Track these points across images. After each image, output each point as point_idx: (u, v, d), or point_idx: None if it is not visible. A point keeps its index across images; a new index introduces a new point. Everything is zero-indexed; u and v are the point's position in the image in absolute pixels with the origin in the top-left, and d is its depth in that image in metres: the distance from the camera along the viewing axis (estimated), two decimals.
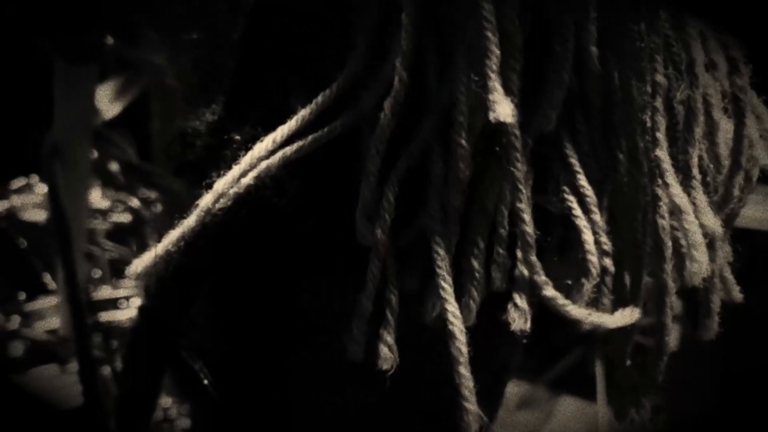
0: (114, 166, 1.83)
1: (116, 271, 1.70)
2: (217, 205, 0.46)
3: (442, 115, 0.44)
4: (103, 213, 1.77)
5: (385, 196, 0.45)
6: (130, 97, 1.83)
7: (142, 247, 1.70)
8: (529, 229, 0.42)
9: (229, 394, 0.59)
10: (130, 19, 0.86)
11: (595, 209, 0.45)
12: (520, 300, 0.43)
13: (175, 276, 0.49)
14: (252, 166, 0.46)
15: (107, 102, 1.81)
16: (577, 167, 0.45)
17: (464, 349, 0.43)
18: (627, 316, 0.46)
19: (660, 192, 0.45)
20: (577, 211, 0.45)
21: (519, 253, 0.43)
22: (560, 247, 0.47)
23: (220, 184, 0.46)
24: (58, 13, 0.80)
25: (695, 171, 0.46)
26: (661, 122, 0.44)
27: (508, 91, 0.40)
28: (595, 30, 0.43)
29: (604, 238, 0.45)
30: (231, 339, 0.58)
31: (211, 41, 0.54)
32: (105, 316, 1.55)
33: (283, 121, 0.47)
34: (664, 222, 0.44)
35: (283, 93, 0.48)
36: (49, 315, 1.67)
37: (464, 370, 0.43)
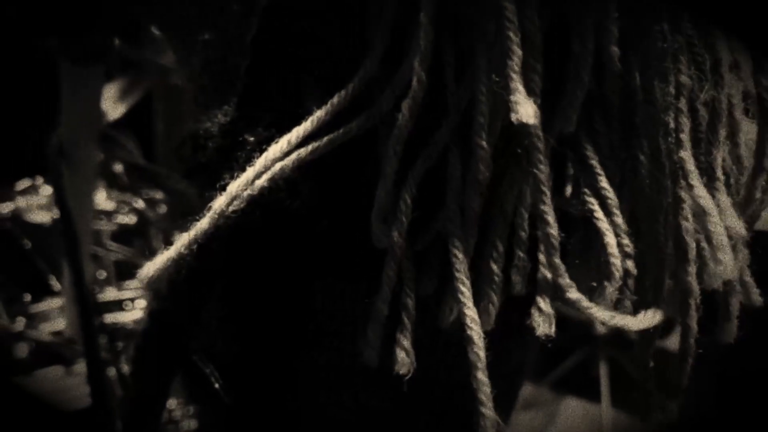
0: (118, 168, 1.83)
1: (121, 272, 1.70)
2: (231, 208, 0.45)
3: (461, 116, 0.43)
4: (108, 214, 1.77)
5: (402, 199, 0.45)
6: (134, 98, 1.83)
7: (147, 249, 1.70)
8: (553, 231, 0.41)
9: (240, 397, 0.58)
10: (139, 19, 0.86)
11: (616, 211, 0.44)
12: (544, 304, 0.42)
13: (187, 279, 0.48)
14: (266, 168, 0.45)
15: (111, 103, 1.81)
16: (598, 169, 0.44)
17: (482, 355, 0.42)
18: (650, 319, 0.45)
19: (683, 194, 0.44)
20: (599, 213, 0.44)
21: (542, 256, 0.42)
22: (581, 251, 0.46)
23: (234, 186, 0.45)
24: (65, 14, 0.80)
25: (719, 173, 0.45)
26: (686, 123, 0.43)
27: (530, 91, 0.39)
28: (616, 30, 0.42)
29: (626, 241, 0.44)
30: (242, 342, 0.58)
31: (223, 42, 0.53)
32: (110, 318, 1.55)
33: (297, 123, 0.46)
34: (688, 224, 0.43)
35: (298, 94, 0.48)
36: (54, 316, 1.67)
37: (482, 376, 0.42)
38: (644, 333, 0.47)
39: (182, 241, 0.46)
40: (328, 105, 0.45)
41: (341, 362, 0.55)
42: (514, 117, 0.38)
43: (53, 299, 1.69)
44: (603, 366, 2.11)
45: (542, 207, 0.41)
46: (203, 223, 0.45)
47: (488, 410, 0.42)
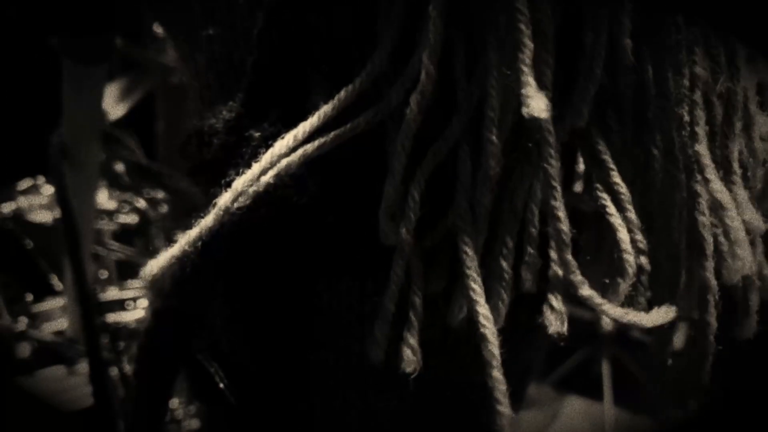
0: (120, 167, 1.82)
1: (123, 272, 1.70)
2: (236, 204, 0.45)
3: (471, 111, 0.42)
4: (110, 214, 1.77)
5: (411, 195, 0.44)
6: (136, 97, 1.83)
7: (149, 248, 1.70)
8: (565, 227, 0.40)
9: (246, 397, 0.58)
10: (144, 15, 0.85)
11: (629, 207, 0.43)
12: (557, 301, 0.42)
13: (191, 277, 0.48)
14: (272, 164, 0.45)
15: (113, 102, 1.80)
16: (611, 164, 0.44)
17: (497, 353, 0.41)
18: (664, 315, 0.44)
19: (699, 188, 0.43)
20: (611, 209, 0.43)
21: (554, 253, 0.41)
22: (593, 247, 0.45)
23: (240, 182, 0.45)
24: (69, 13, 0.79)
25: (736, 166, 0.44)
26: (701, 116, 0.42)
27: (541, 85, 0.38)
28: (630, 22, 0.42)
29: (639, 236, 0.43)
30: (248, 341, 0.57)
31: (229, 37, 0.52)
32: (112, 318, 1.55)
33: (303, 118, 0.45)
34: (704, 218, 0.43)
35: (304, 89, 0.47)
36: (56, 316, 1.67)
37: (497, 374, 0.41)
38: (660, 330, 0.46)
39: (186, 238, 0.45)
40: (335, 100, 0.44)
41: (349, 361, 0.54)
42: (525, 111, 0.37)
43: (55, 299, 1.69)
44: (605, 364, 2.10)
45: (553, 203, 0.40)
46: (208, 220, 0.45)
47: (505, 408, 0.41)
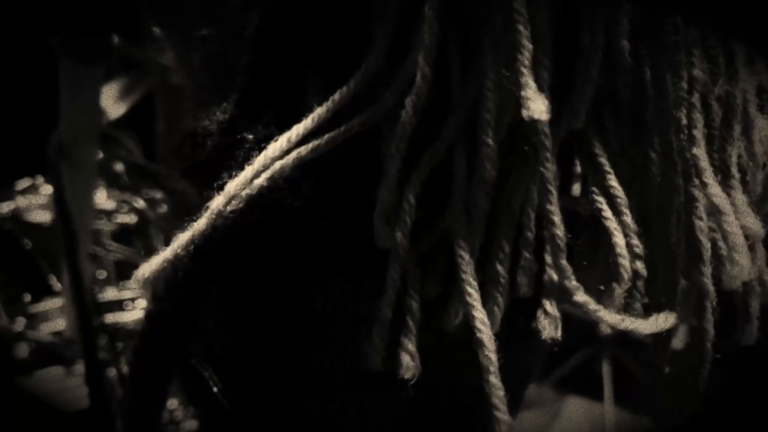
0: (119, 167, 1.82)
1: (121, 272, 1.69)
2: (229, 208, 0.44)
3: (467, 113, 0.42)
4: (108, 214, 1.76)
5: (406, 198, 0.43)
6: (136, 97, 1.82)
7: (148, 248, 1.69)
8: (560, 231, 0.40)
9: (240, 401, 0.57)
10: (135, 17, 0.85)
11: (626, 211, 0.43)
12: (551, 306, 0.41)
13: (184, 280, 0.47)
14: (265, 167, 0.44)
15: (112, 102, 1.80)
16: (607, 167, 0.43)
17: (494, 358, 0.41)
18: (662, 322, 0.44)
19: (696, 192, 0.42)
20: (607, 212, 0.42)
21: (549, 258, 0.41)
22: (589, 251, 0.45)
23: (232, 185, 0.44)
24: (67, 13, 0.79)
25: (734, 170, 0.44)
26: (699, 119, 0.42)
27: (539, 87, 0.38)
28: (627, 23, 0.41)
29: (635, 241, 0.43)
30: (242, 344, 0.57)
31: (223, 37, 0.52)
32: (110, 318, 1.54)
33: (297, 120, 0.45)
34: (702, 223, 0.42)
35: (298, 91, 0.46)
36: (54, 317, 1.66)
37: (494, 379, 0.41)
38: (658, 336, 0.46)
39: (179, 242, 0.44)
40: (330, 102, 0.44)
41: (344, 364, 0.53)
42: (525, 113, 0.36)
43: (53, 299, 1.69)
44: (606, 365, 2.10)
45: (548, 207, 0.40)
46: (200, 224, 0.44)
47: (503, 414, 0.41)
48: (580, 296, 0.41)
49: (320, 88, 0.45)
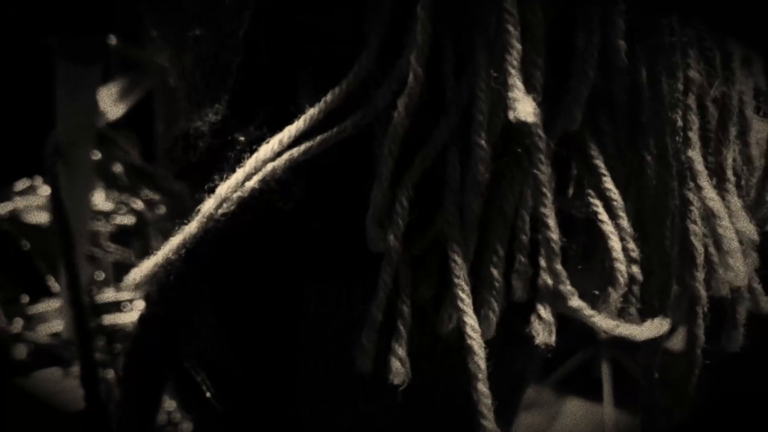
0: (117, 168, 1.82)
1: (119, 273, 1.69)
2: (220, 211, 0.44)
3: (459, 114, 0.41)
4: (107, 215, 1.76)
5: (398, 201, 0.43)
6: (135, 98, 1.82)
7: (146, 249, 1.69)
8: (554, 235, 0.39)
9: (234, 405, 0.57)
10: (132, 17, 0.85)
11: (622, 214, 0.42)
12: (545, 311, 0.41)
13: (176, 284, 0.47)
14: (257, 169, 0.44)
15: (112, 102, 1.79)
16: (603, 169, 0.42)
17: (483, 365, 0.40)
18: (656, 327, 0.43)
19: (691, 196, 0.42)
20: (603, 215, 0.42)
21: (543, 262, 0.40)
22: (584, 254, 0.44)
23: (223, 188, 0.44)
24: (63, 13, 0.79)
25: (729, 173, 0.43)
26: (694, 121, 0.41)
27: (530, 88, 0.37)
28: (623, 23, 0.41)
29: (631, 245, 0.42)
30: (235, 348, 0.56)
31: (215, 37, 0.51)
32: (108, 319, 1.54)
33: (289, 121, 0.44)
34: (696, 227, 0.42)
35: (290, 91, 0.46)
36: (52, 318, 1.66)
37: (483, 387, 0.40)
38: (651, 340, 0.45)
39: (170, 245, 0.44)
40: (322, 103, 0.43)
41: (338, 368, 0.53)
42: (512, 115, 0.36)
43: (51, 301, 1.68)
44: (605, 366, 2.10)
45: (543, 210, 0.39)
46: (191, 227, 0.44)
47: (489, 423, 0.41)
48: (575, 301, 0.41)
49: (312, 89, 0.45)
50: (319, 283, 0.51)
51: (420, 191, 0.43)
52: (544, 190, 0.39)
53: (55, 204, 1.09)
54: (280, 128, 0.44)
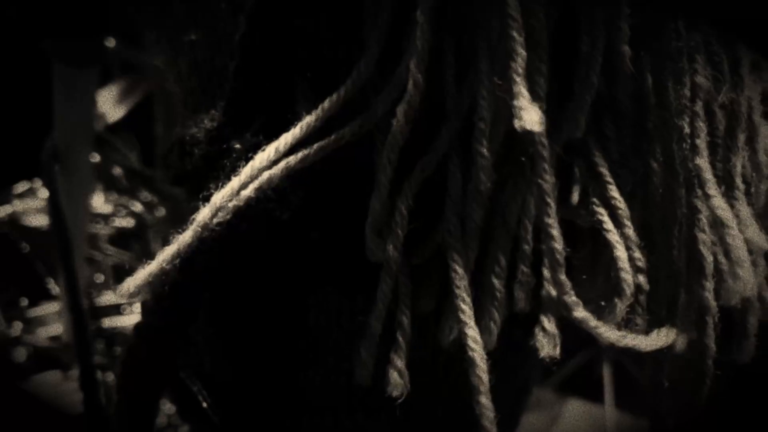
0: (117, 171, 1.81)
1: (119, 276, 1.68)
2: (215, 220, 0.43)
3: (461, 122, 0.40)
4: (106, 217, 1.75)
5: (398, 210, 0.42)
6: (135, 100, 1.81)
7: (145, 252, 1.68)
8: (558, 245, 0.38)
9: (231, 417, 0.56)
10: (130, 20, 0.84)
11: (627, 223, 0.41)
12: (549, 323, 0.39)
13: (171, 294, 0.46)
14: (252, 178, 0.43)
15: (111, 105, 1.79)
16: (608, 177, 0.41)
17: (485, 378, 0.39)
18: (663, 338, 0.42)
19: (699, 204, 0.41)
20: (609, 224, 0.41)
21: (547, 272, 0.39)
22: (589, 264, 0.43)
23: (218, 197, 0.43)
24: (58, 16, 0.78)
25: (738, 181, 0.42)
26: (702, 128, 0.40)
27: (534, 95, 0.36)
28: (628, 28, 0.40)
29: (637, 254, 0.41)
30: (232, 359, 0.55)
31: (211, 42, 0.50)
32: (108, 322, 1.54)
33: (286, 129, 0.43)
34: (705, 236, 0.41)
35: (287, 98, 0.45)
36: (51, 321, 1.65)
37: (485, 400, 0.39)
38: (658, 352, 0.44)
39: (164, 255, 0.43)
40: (319, 110, 0.42)
41: (337, 380, 0.52)
42: (517, 123, 0.35)
43: (50, 303, 1.68)
44: (607, 368, 2.09)
45: (547, 219, 0.38)
46: (186, 236, 0.43)
47: None
48: (580, 312, 0.40)
49: (310, 95, 0.44)
50: (318, 294, 0.50)
51: (420, 200, 0.42)
52: (548, 199, 0.38)
53: (53, 207, 1.08)
54: (276, 136, 0.43)
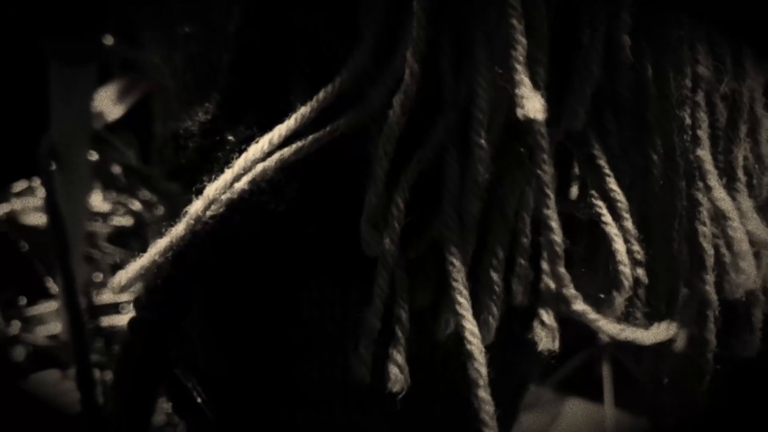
0: (116, 169, 1.81)
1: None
2: (208, 213, 0.42)
3: (458, 113, 0.39)
4: (105, 216, 1.75)
5: (394, 202, 0.41)
6: (134, 99, 1.81)
7: (144, 251, 1.68)
8: (557, 237, 0.37)
9: (226, 413, 0.55)
10: (128, 18, 0.84)
11: (626, 215, 0.40)
12: (548, 317, 0.39)
13: (164, 288, 0.45)
14: (246, 170, 0.42)
15: (110, 103, 1.78)
16: (607, 169, 0.41)
17: (484, 371, 0.39)
18: (663, 332, 0.41)
19: (700, 196, 0.40)
20: (607, 217, 0.40)
21: (545, 265, 0.39)
22: (588, 257, 0.43)
23: (211, 189, 0.42)
24: (55, 14, 0.78)
25: (740, 173, 0.41)
26: (703, 119, 0.40)
27: (534, 85, 0.36)
28: (629, 17, 0.39)
29: (636, 247, 0.40)
30: (226, 353, 0.55)
31: (205, 35, 0.50)
32: (106, 321, 1.54)
33: (281, 121, 0.43)
34: (705, 229, 0.40)
35: (282, 90, 0.44)
36: (50, 320, 1.65)
37: (484, 394, 0.39)
38: (658, 347, 0.44)
39: (156, 248, 0.43)
40: (314, 101, 0.42)
41: (333, 375, 0.51)
42: (520, 112, 0.34)
43: (49, 302, 1.68)
44: (606, 366, 2.08)
45: (546, 211, 0.37)
46: (179, 229, 0.42)
47: (491, 430, 0.39)
48: (579, 305, 0.39)
49: (304, 87, 0.43)
50: (313, 287, 0.49)
51: (417, 193, 0.42)
52: (547, 191, 0.37)
53: (50, 205, 1.08)
54: (271, 128, 0.43)
